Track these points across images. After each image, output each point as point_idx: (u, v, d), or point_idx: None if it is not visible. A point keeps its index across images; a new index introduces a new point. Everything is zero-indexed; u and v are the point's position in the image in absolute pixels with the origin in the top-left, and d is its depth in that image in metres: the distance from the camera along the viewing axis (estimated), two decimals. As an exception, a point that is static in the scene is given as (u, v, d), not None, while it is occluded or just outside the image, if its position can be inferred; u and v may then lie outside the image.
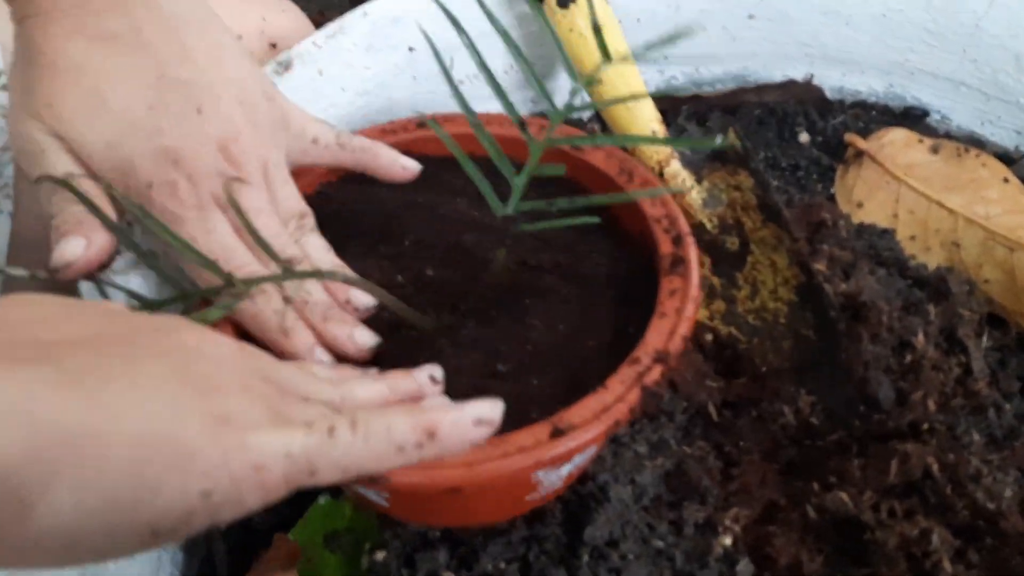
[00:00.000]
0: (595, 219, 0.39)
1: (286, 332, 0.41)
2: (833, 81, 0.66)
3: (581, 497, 0.46)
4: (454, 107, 0.41)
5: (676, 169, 0.55)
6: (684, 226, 0.43)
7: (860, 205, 0.61)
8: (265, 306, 0.41)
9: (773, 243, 0.53)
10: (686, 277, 0.41)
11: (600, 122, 0.66)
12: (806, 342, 0.53)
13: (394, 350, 0.41)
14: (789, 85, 0.65)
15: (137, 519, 0.27)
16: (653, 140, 0.42)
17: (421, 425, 0.31)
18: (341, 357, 0.41)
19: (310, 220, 0.46)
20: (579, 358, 0.39)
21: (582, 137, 0.45)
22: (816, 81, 0.66)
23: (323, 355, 0.41)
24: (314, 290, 0.43)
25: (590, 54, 0.55)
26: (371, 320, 0.42)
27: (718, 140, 0.39)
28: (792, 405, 0.52)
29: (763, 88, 0.66)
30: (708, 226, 0.55)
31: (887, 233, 0.58)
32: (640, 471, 0.48)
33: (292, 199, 0.46)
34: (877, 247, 0.56)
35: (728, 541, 0.48)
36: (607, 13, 0.58)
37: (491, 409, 0.32)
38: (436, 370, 0.37)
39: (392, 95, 0.60)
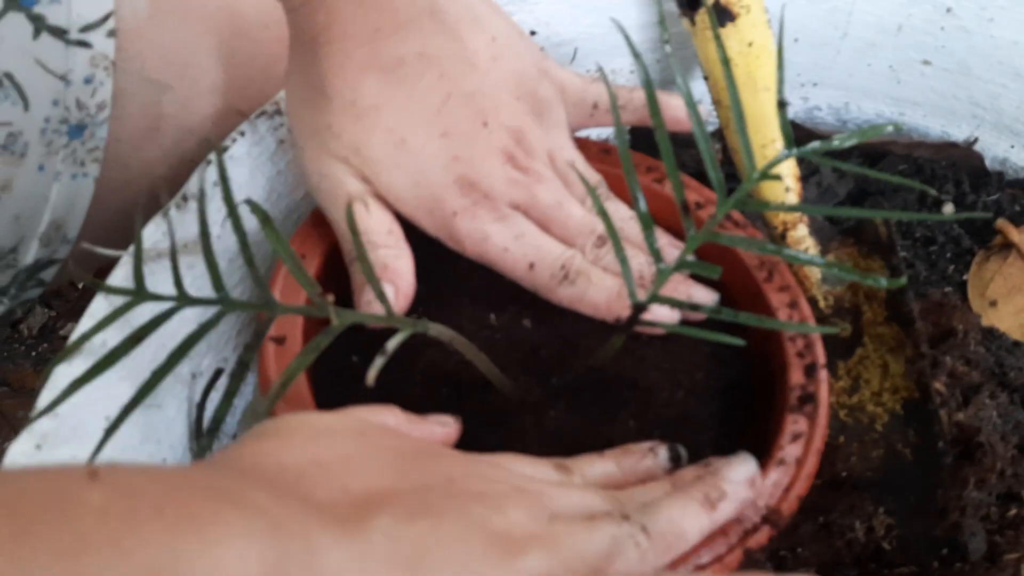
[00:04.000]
0: (740, 342, 0.34)
1: (626, 304, 0.40)
2: (998, 151, 0.58)
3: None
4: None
5: (802, 235, 0.48)
6: (821, 354, 0.37)
7: (993, 304, 0.54)
8: (588, 286, 0.41)
9: (891, 344, 0.47)
10: (814, 421, 0.35)
11: (721, 141, 0.59)
12: (899, 459, 0.47)
13: (469, 414, 0.36)
14: (946, 147, 0.57)
15: None
16: (817, 262, 0.36)
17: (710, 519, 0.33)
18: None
19: (603, 188, 0.47)
20: (671, 478, 0.35)
21: (741, 238, 0.39)
22: (978, 147, 0.58)
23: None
24: (631, 255, 0.42)
25: (738, 85, 0.48)
26: (451, 371, 0.38)
27: (882, 282, 0.32)
28: (865, 522, 0.47)
29: (915, 144, 0.58)
30: (821, 304, 0.49)
31: (1019, 347, 0.51)
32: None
33: (584, 174, 0.45)
34: (1004, 364, 0.50)
35: (763, 663, 0.44)
36: (767, 36, 0.50)
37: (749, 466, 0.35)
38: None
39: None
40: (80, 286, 1.30)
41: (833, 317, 0.48)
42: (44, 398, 0.32)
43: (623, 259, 0.35)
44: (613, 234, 0.35)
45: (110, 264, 0.41)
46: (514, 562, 0.29)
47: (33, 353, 1.30)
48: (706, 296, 0.43)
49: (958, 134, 0.58)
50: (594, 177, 0.46)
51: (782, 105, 0.30)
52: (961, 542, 0.44)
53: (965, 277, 0.56)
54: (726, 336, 0.33)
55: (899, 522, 0.46)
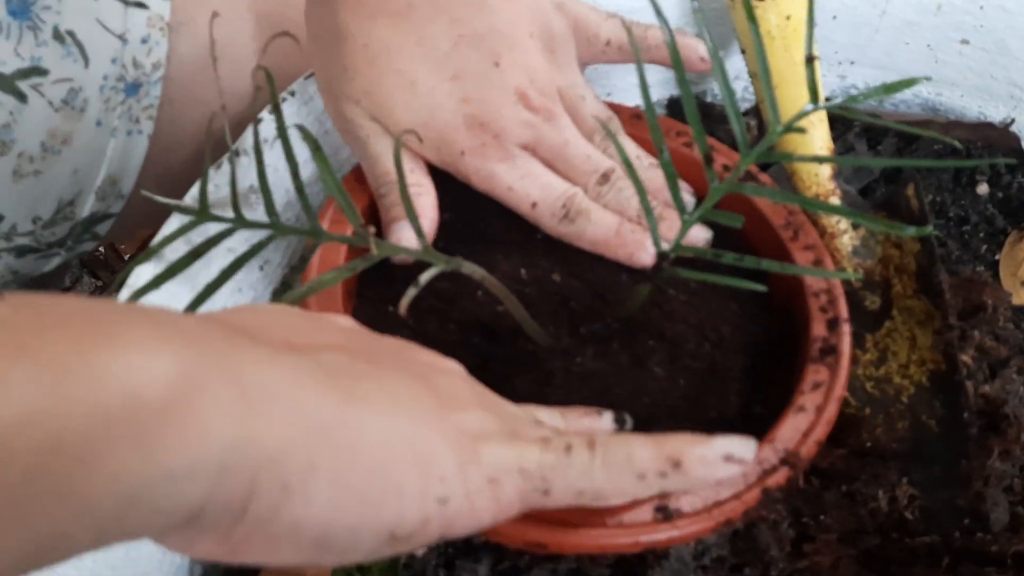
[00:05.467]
0: (761, 288, 0.35)
1: (623, 241, 0.42)
2: (1035, 132, 0.58)
3: (640, 544, 0.43)
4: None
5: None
6: (844, 309, 0.38)
7: (1025, 284, 0.54)
8: (587, 224, 0.43)
9: (920, 317, 0.47)
10: (835, 372, 0.36)
11: (757, 117, 0.59)
12: (924, 431, 0.48)
13: (501, 359, 0.38)
14: (983, 127, 0.58)
15: (379, 520, 0.27)
16: (836, 209, 0.36)
17: (665, 454, 0.30)
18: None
19: (615, 123, 0.47)
20: (697, 426, 0.36)
21: (763, 188, 0.40)
22: (1015, 128, 0.58)
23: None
24: (632, 194, 0.43)
25: (775, 58, 0.49)
26: (484, 319, 0.39)
27: (910, 230, 0.33)
28: (889, 492, 0.47)
29: (952, 124, 0.58)
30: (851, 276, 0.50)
31: (1048, 326, 0.51)
32: (708, 525, 0.45)
33: (595, 110, 0.46)
34: (1033, 341, 0.50)
35: (782, 622, 0.45)
36: (805, 11, 0.51)
37: (744, 447, 0.31)
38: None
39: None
40: (126, 258, 1.34)
41: (863, 290, 0.49)
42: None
43: (640, 189, 0.36)
44: (629, 166, 0.36)
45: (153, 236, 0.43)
46: (450, 414, 0.29)
47: (79, 322, 1.34)
48: (701, 234, 0.44)
49: (995, 115, 0.58)
50: (605, 113, 0.47)
51: (810, 60, 0.31)
52: (983, 512, 0.45)
53: (997, 257, 0.56)
54: (749, 282, 0.34)
55: (922, 492, 0.47)
